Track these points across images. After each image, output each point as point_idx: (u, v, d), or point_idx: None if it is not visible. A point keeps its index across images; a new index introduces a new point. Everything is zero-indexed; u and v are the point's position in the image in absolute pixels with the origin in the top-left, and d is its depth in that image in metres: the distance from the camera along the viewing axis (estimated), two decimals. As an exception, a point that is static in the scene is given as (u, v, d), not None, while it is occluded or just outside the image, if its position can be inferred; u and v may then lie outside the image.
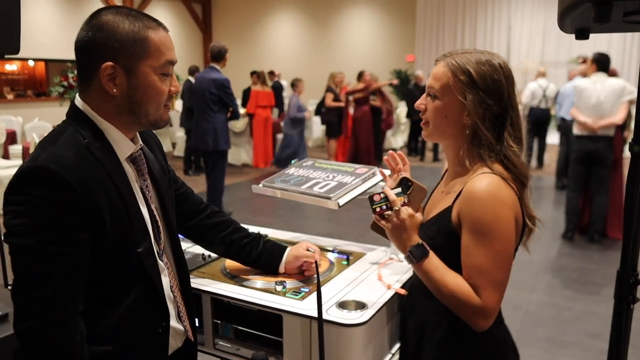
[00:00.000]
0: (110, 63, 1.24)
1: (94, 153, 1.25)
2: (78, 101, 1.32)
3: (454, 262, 1.37)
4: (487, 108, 1.37)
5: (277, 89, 11.30)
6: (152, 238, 1.38)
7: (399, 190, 1.43)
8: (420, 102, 1.47)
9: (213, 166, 5.96)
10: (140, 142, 1.41)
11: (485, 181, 1.33)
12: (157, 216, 1.42)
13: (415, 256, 1.37)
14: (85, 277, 1.22)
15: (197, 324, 1.62)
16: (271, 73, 11.76)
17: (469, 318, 1.35)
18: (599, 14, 1.05)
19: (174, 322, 1.44)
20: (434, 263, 1.37)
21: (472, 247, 1.33)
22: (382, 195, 1.41)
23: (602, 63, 5.45)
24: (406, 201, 1.42)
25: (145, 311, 1.35)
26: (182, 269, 1.53)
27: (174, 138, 11.35)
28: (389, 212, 1.40)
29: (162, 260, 1.43)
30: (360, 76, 9.54)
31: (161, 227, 1.44)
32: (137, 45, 1.26)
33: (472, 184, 1.35)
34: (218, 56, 5.88)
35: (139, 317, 1.34)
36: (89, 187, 1.20)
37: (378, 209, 1.41)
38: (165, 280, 1.42)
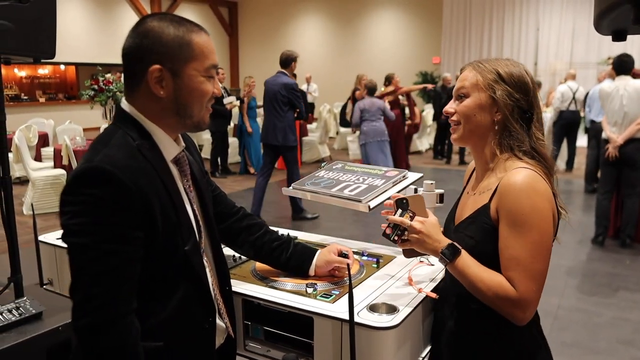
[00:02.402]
0: (157, 66, 1.29)
1: (144, 154, 1.30)
2: (125, 104, 1.37)
3: (497, 258, 1.39)
4: (515, 101, 1.42)
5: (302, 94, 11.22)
6: (197, 237, 1.41)
7: (400, 211, 1.50)
8: (449, 107, 1.52)
9: (288, 159, 6.63)
10: (183, 144, 1.45)
11: (522, 174, 1.37)
12: (198, 216, 1.46)
13: (447, 256, 1.42)
14: (138, 274, 1.26)
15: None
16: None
17: (507, 311, 1.36)
18: (638, 15, 1.03)
19: (217, 319, 1.48)
20: (467, 260, 1.41)
21: (510, 239, 1.35)
22: (390, 225, 1.50)
23: (620, 66, 5.38)
24: (411, 215, 1.49)
25: (193, 308, 1.39)
26: (222, 267, 1.57)
27: (200, 140, 11.47)
28: (405, 234, 1.48)
29: (203, 259, 1.46)
30: (387, 80, 9.47)
31: (202, 227, 1.48)
32: (182, 49, 1.30)
33: (509, 177, 1.38)
34: (285, 63, 6.61)
35: (187, 314, 1.37)
36: (141, 187, 1.23)
37: (396, 238, 1.49)
38: (208, 278, 1.46)
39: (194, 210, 1.44)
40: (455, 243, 1.43)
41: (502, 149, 1.45)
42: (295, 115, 6.61)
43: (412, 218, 1.48)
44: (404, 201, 1.50)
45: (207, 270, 1.47)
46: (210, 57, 1.35)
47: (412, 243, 1.48)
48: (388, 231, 1.50)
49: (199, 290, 1.41)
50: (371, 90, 8.12)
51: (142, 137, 1.33)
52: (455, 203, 1.65)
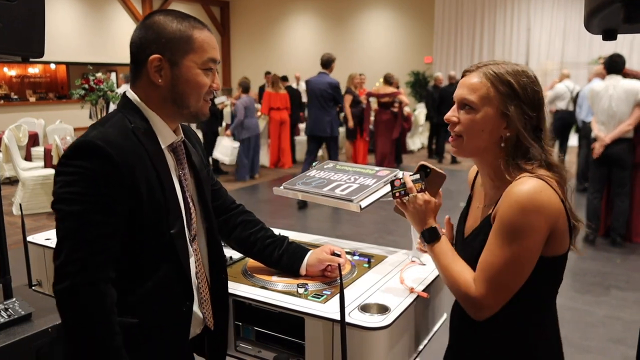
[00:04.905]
0: (157, 55, 1.38)
1: (137, 136, 1.38)
2: (129, 92, 1.46)
3: None
4: (527, 119, 1.34)
5: (291, 94, 11.03)
6: (184, 222, 1.46)
7: (417, 177, 1.51)
8: (452, 115, 1.42)
9: (332, 148, 7.76)
10: (182, 135, 1.52)
11: (526, 184, 1.29)
12: (190, 203, 1.51)
13: (426, 238, 1.46)
14: (118, 247, 1.33)
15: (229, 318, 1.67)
16: (284, 78, 11.54)
17: (464, 305, 1.38)
18: (628, 14, 1.03)
19: (195, 307, 1.52)
20: (444, 248, 1.44)
21: (492, 243, 1.33)
22: (401, 181, 1.52)
23: (611, 65, 5.41)
24: (423, 187, 1.50)
25: (172, 289, 1.44)
26: (216, 258, 1.61)
27: (192, 140, 11.38)
28: (406, 198, 1.50)
29: (192, 247, 1.51)
30: (388, 80, 9.44)
31: (194, 215, 1.52)
32: (182, 41, 1.39)
33: (513, 186, 1.31)
34: (326, 64, 7.55)
35: (166, 294, 1.43)
36: (129, 164, 1.32)
37: (397, 194, 1.52)
38: (192, 265, 1.50)
39: (185, 198, 1.49)
40: (437, 227, 1.46)
41: (510, 171, 1.36)
42: (338, 109, 7.86)
43: (422, 190, 1.49)
44: (427, 170, 1.53)
45: (193, 258, 1.51)
46: (209, 52, 1.42)
47: (406, 208, 1.51)
48: (396, 183, 1.52)
49: (179, 274, 1.45)
50: (245, 88, 9.05)
51: (140, 122, 1.41)
52: (462, 214, 1.61)
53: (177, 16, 1.42)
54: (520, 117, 1.34)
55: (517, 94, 1.34)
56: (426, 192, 1.49)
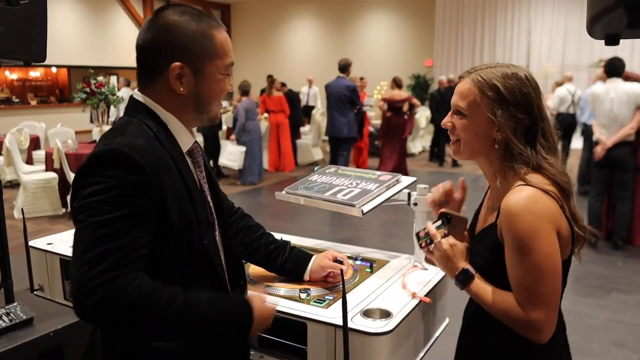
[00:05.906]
0: (178, 63, 1.27)
1: (161, 142, 1.28)
2: (138, 95, 1.35)
3: (507, 277, 1.35)
4: (517, 122, 1.34)
5: (291, 97, 10.93)
6: (216, 231, 1.40)
7: (439, 223, 1.52)
8: (447, 120, 1.46)
9: (346, 148, 8.26)
10: (195, 137, 1.43)
11: (519, 195, 1.30)
12: (212, 208, 1.43)
13: (461, 281, 1.42)
14: (144, 259, 1.21)
15: None
16: (282, 85, 11.46)
17: (522, 332, 1.33)
18: (632, 19, 1.03)
19: None
20: (480, 285, 1.40)
21: (513, 263, 1.32)
22: (425, 231, 1.52)
23: (611, 69, 5.41)
24: (446, 232, 1.50)
25: None
26: (235, 262, 1.50)
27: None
28: (432, 245, 1.49)
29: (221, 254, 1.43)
30: (398, 84, 9.41)
31: (216, 221, 1.44)
32: (204, 46, 1.29)
33: (507, 198, 1.32)
34: (344, 68, 8.06)
35: None
36: (158, 173, 1.22)
37: (423, 244, 1.53)
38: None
39: (208, 202, 1.41)
40: (469, 268, 1.42)
41: (506, 174, 1.39)
42: (355, 111, 8.15)
43: (445, 235, 1.49)
44: (448, 217, 1.53)
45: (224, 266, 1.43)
46: (229, 55, 1.35)
47: (434, 257, 1.50)
48: (421, 234, 1.53)
49: (217, 286, 1.36)
50: (245, 91, 9.00)
51: (158, 127, 1.30)
52: (475, 214, 1.61)
53: (193, 15, 1.30)
54: (509, 121, 1.34)
55: (504, 98, 1.34)
56: (450, 237, 1.49)
